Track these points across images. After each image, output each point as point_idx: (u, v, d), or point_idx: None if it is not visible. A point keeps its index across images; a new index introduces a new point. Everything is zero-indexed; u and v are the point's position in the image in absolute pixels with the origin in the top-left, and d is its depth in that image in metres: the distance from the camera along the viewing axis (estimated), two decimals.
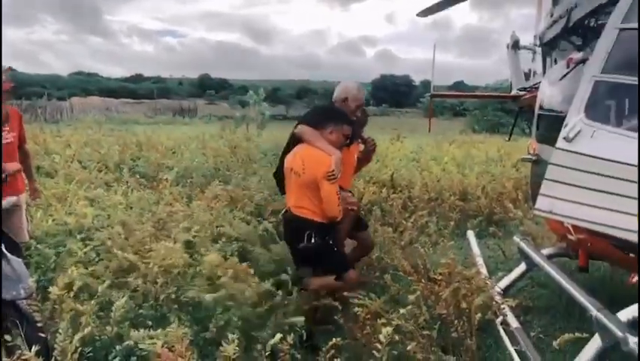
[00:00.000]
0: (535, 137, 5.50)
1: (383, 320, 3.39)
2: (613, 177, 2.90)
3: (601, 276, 5.73)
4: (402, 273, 4.63)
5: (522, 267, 5.32)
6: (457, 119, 51.87)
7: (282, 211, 4.56)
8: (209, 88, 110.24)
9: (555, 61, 5.93)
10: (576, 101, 3.25)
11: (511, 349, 3.99)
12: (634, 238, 2.91)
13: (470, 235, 7.15)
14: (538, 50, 11.19)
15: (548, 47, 6.29)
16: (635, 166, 2.81)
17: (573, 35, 4.58)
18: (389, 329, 2.92)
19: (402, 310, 3.45)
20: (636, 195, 2.79)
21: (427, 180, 9.18)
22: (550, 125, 5.15)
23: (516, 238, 5.66)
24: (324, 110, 4.76)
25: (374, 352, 2.92)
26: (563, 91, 5.14)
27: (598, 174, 2.98)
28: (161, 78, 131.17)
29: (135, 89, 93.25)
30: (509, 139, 12.83)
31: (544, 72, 6.69)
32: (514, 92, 11.31)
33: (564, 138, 3.17)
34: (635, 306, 3.46)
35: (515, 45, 12.53)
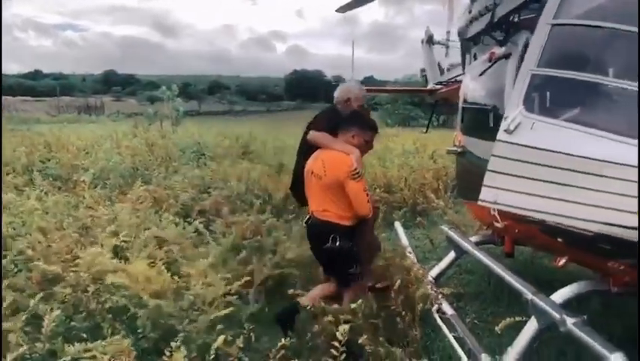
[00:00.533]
0: (460, 129, 5.68)
1: (330, 318, 3.41)
2: (553, 167, 3.04)
3: (523, 260, 6.03)
4: None
5: (451, 255, 5.49)
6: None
7: (306, 219, 4.39)
8: (115, 84, 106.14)
9: (475, 56, 6.16)
10: (514, 94, 3.37)
11: (450, 336, 4.13)
12: (575, 224, 3.05)
13: (398, 225, 7.31)
14: (452, 44, 11.65)
15: (470, 42, 6.52)
16: (571, 155, 2.95)
17: (497, 31, 4.76)
18: (346, 327, 2.92)
19: (352, 305, 3.46)
20: (571, 183, 2.93)
21: None
22: (475, 118, 5.35)
23: (444, 227, 5.84)
24: (349, 114, 4.64)
25: (332, 350, 2.90)
26: (486, 85, 5.35)
27: (538, 164, 3.11)
28: (62, 74, 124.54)
29: (34, 85, 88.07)
30: (427, 131, 13.31)
31: (463, 67, 6.94)
32: (430, 86, 11.71)
33: (505, 131, 3.29)
34: (567, 288, 3.66)
35: (430, 40, 12.95)
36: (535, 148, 3.14)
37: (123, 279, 3.75)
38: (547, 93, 3.37)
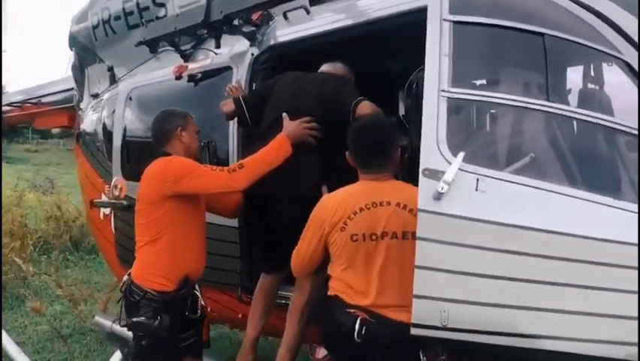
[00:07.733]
0: (121, 174, 4.01)
1: None
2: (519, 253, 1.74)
3: None
4: None
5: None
6: None
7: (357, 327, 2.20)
8: None
9: (112, 71, 4.52)
10: (426, 131, 1.87)
11: None
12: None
13: None
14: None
15: (89, 54, 4.86)
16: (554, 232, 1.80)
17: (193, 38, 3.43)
18: None
19: None
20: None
21: None
22: (145, 157, 3.84)
23: (100, 319, 4.20)
24: None
25: None
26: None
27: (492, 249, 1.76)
28: None
29: None
30: None
31: (82, 84, 5.17)
32: None
33: (434, 197, 1.77)
34: None
35: None
36: (490, 222, 1.77)
37: None
38: (480, 128, 2.10)
